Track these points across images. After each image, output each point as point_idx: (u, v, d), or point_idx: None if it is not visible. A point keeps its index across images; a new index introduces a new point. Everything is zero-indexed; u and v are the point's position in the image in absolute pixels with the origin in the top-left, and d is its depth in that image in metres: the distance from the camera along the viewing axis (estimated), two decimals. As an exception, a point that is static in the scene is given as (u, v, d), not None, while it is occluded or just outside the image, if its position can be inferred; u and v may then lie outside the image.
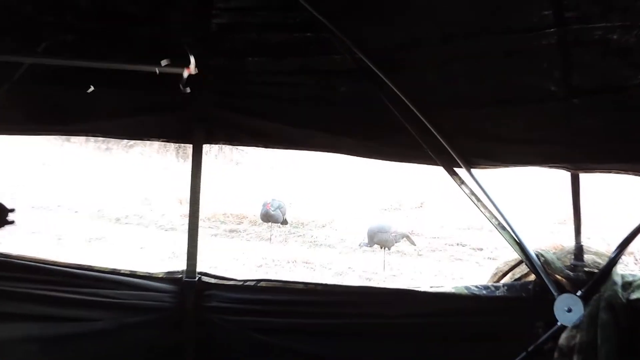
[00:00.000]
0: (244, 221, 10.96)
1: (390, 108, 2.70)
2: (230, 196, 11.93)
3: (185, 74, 2.57)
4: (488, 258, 9.45)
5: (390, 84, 2.63)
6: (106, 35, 2.77)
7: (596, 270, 2.67)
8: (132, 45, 2.77)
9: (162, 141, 3.34)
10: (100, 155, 14.60)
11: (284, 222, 10.44)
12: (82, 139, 14.38)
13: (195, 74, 2.75)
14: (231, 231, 10.53)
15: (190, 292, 2.99)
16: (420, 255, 9.56)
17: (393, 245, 9.24)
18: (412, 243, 9.61)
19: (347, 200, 12.02)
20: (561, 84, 2.39)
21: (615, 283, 2.55)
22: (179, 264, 7.40)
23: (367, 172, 14.03)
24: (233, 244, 9.69)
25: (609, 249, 2.70)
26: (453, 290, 2.86)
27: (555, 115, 2.48)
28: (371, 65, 2.62)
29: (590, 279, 2.64)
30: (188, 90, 2.59)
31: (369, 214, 11.56)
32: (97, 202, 11.40)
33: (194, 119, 3.02)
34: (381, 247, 9.18)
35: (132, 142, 14.67)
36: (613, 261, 2.60)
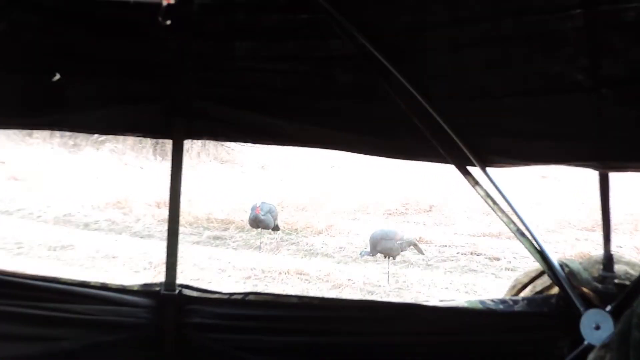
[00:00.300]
0: (230, 227, 10.97)
1: (395, 99, 2.71)
2: (214, 199, 11.94)
3: (164, 2, 2.54)
4: (506, 269, 9.47)
5: (395, 72, 2.64)
6: (74, 15, 2.77)
7: (628, 283, 2.68)
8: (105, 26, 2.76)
9: (138, 136, 3.35)
10: (66, 153, 14.58)
11: (276, 228, 10.45)
12: (45, 133, 14.35)
13: (175, 59, 2.75)
14: (216, 238, 10.53)
15: (170, 307, 2.99)
16: (429, 265, 9.57)
17: (398, 254, 9.25)
18: (420, 252, 9.62)
19: (347, 203, 12.03)
20: (588, 72, 2.40)
21: (649, 297, 2.56)
22: (157, 276, 7.43)
23: (369, 172, 14.03)
24: (218, 252, 9.69)
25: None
26: (466, 305, 2.87)
27: (582, 107, 2.49)
28: (374, 51, 2.62)
29: (622, 292, 2.65)
30: (168, 22, 2.55)
31: (371, 218, 11.57)
32: (63, 205, 11.38)
33: (173, 111, 3.01)
34: (385, 257, 9.19)
35: (103, 137, 14.65)
36: (647, 272, 2.62)
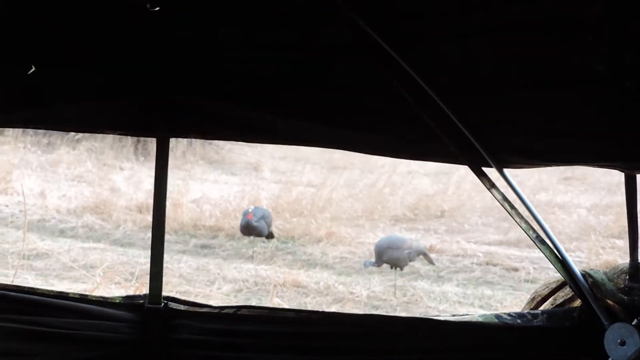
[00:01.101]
0: (219, 234, 10.98)
1: (402, 93, 2.72)
2: (202, 203, 11.95)
3: None
4: (525, 280, 9.50)
5: (402, 63, 2.64)
6: (47, 5, 2.78)
7: (656, 294, 2.71)
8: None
9: (118, 134, 3.36)
10: (40, 152, 14.59)
11: (270, 236, 10.46)
12: (17, 131, 14.36)
13: (157, 50, 2.76)
14: (204, 247, 10.55)
15: (155, 321, 3.01)
16: (441, 277, 9.59)
17: (407, 264, 9.27)
18: (431, 262, 9.65)
19: (349, 208, 12.04)
20: (610, 62, 2.41)
21: (679, 309, 2.58)
22: (139, 288, 7.45)
23: (373, 173, 14.04)
24: (206, 263, 9.70)
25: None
26: (481, 320, 2.89)
27: (604, 101, 2.51)
28: (378, 39, 2.61)
29: (649, 304, 2.67)
30: (157, 8, 2.56)
31: (377, 225, 11.58)
32: (37, 210, 11.40)
33: (156, 107, 3.03)
34: (392, 267, 9.21)
35: (79, 135, 14.66)
36: (677, 282, 2.64)
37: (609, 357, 2.65)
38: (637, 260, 2.81)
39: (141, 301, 3.06)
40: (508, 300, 8.60)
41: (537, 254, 9.84)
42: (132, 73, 2.97)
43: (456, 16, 2.50)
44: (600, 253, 10.04)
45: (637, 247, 2.83)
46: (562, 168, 14.59)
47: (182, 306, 3.07)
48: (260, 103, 2.92)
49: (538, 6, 2.35)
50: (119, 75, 2.97)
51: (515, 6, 2.39)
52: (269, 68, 2.84)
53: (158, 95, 2.99)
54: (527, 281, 9.41)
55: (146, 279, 7.70)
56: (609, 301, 2.71)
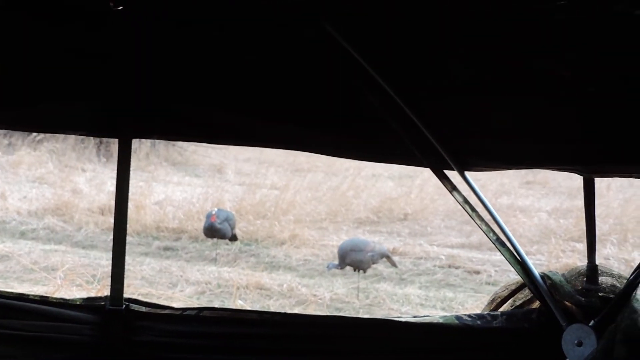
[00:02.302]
0: (182, 236, 10.94)
1: (366, 96, 2.73)
2: (165, 205, 11.88)
3: None
4: (486, 283, 9.59)
5: (366, 66, 2.65)
6: None
7: (612, 296, 2.74)
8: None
9: (80, 135, 3.33)
10: (0, 153, 14.40)
11: (233, 238, 10.44)
12: (-24, 131, 14.17)
13: (121, 47, 2.72)
14: (166, 249, 10.50)
15: (116, 323, 2.99)
16: (403, 279, 9.65)
17: (369, 267, 9.31)
18: (393, 264, 9.70)
19: (313, 211, 12.06)
20: (574, 68, 2.44)
21: (635, 311, 2.62)
22: (101, 290, 7.39)
23: (338, 176, 14.08)
24: (169, 265, 9.65)
25: (629, 269, 2.78)
26: (441, 321, 2.91)
27: (566, 106, 2.54)
28: (342, 42, 2.62)
29: (605, 306, 2.71)
30: (120, 8, 2.53)
31: (340, 228, 11.61)
32: (-4, 211, 11.26)
33: (120, 108, 3.00)
34: (355, 270, 9.25)
35: (41, 136, 14.50)
36: (632, 285, 2.67)
37: (566, 358, 2.69)
38: (595, 262, 2.86)
39: (102, 303, 3.03)
40: (470, 303, 8.68)
41: (498, 256, 9.95)
42: (94, 73, 2.94)
43: (421, 21, 2.52)
44: (560, 256, 10.17)
45: (594, 250, 2.87)
46: (523, 172, 14.77)
47: (143, 308, 3.05)
48: (226, 104, 2.91)
49: (504, 12, 2.37)
50: (81, 76, 2.93)
51: (483, 11, 2.40)
52: (235, 69, 2.83)
53: (121, 96, 2.96)
54: (489, 284, 9.51)
55: (108, 281, 7.65)
56: (567, 303, 2.75)
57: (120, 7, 2.50)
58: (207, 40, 2.78)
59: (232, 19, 2.71)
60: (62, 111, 3.06)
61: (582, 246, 10.20)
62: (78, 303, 3.04)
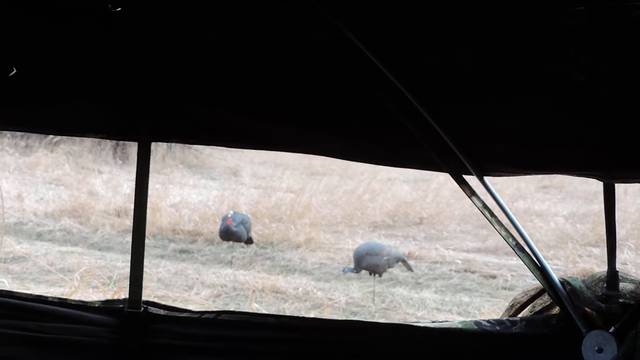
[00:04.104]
0: (198, 239, 10.96)
1: (383, 100, 2.73)
2: (181, 208, 11.92)
3: None
4: (502, 288, 9.55)
5: (383, 69, 2.64)
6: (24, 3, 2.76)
7: (633, 302, 2.73)
8: None
9: (99, 138, 3.33)
10: (17, 155, 14.49)
11: (249, 241, 10.46)
12: (-6, 133, 14.27)
13: (140, 51, 2.73)
14: (182, 251, 10.53)
15: (134, 326, 2.99)
16: (419, 283, 9.63)
17: (385, 270, 9.30)
18: (409, 268, 9.68)
19: (328, 214, 12.05)
20: (591, 73, 2.43)
21: (656, 317, 2.61)
22: (117, 292, 7.41)
23: (353, 179, 14.07)
24: (184, 267, 9.68)
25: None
26: (460, 326, 2.91)
27: (585, 111, 2.53)
28: (360, 45, 2.62)
29: (626, 312, 2.70)
30: (119, 9, 2.54)
31: (356, 231, 11.60)
32: (14, 213, 11.31)
33: (139, 111, 3.01)
34: (370, 273, 9.24)
35: (57, 138, 14.58)
36: (654, 291, 2.67)
37: (586, 363, 2.68)
38: (615, 268, 2.84)
39: (120, 305, 3.04)
40: (486, 307, 8.65)
41: (514, 261, 9.92)
42: (114, 76, 2.95)
43: (440, 24, 2.52)
44: (577, 261, 10.12)
45: (614, 256, 2.86)
46: (540, 176, 14.71)
47: (161, 311, 3.05)
48: (243, 108, 2.92)
49: (522, 16, 2.37)
50: (101, 78, 2.95)
51: (499, 15, 2.41)
52: (252, 73, 2.84)
53: (141, 99, 2.97)
54: (505, 288, 9.47)
55: (124, 283, 7.68)
56: (586, 309, 2.73)
57: (119, 9, 2.50)
58: (219, 43, 2.79)
59: (242, 21, 2.72)
60: (81, 114, 3.07)
61: (599, 251, 10.16)
62: (96, 305, 3.05)
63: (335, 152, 3.07)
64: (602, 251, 9.55)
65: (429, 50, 2.59)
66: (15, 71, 2.90)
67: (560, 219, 12.32)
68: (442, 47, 2.57)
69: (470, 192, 2.80)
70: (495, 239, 10.45)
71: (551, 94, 2.53)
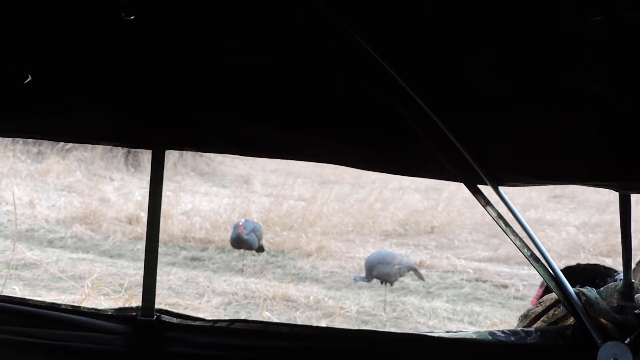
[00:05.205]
0: (209, 247, 10.97)
1: (398, 109, 2.73)
2: (192, 215, 11.93)
3: None
4: (514, 297, 9.52)
5: (399, 79, 2.65)
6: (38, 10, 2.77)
7: (649, 313, 2.72)
8: None
9: (113, 145, 3.35)
10: (29, 161, 14.55)
11: (260, 249, 10.46)
12: (6, 139, 14.33)
13: (155, 60, 2.74)
14: (193, 259, 10.54)
15: (147, 334, 3.00)
16: (430, 293, 9.60)
17: (396, 279, 9.28)
18: (420, 277, 9.66)
19: (340, 223, 12.05)
20: (607, 83, 2.43)
21: (672, 329, 2.60)
22: (129, 300, 7.43)
23: (364, 188, 14.06)
24: (196, 275, 9.68)
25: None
26: (474, 336, 2.90)
27: (600, 121, 2.53)
28: (375, 55, 2.62)
29: (642, 323, 2.69)
30: (132, 17, 2.54)
31: (367, 240, 11.59)
32: (26, 219, 11.35)
33: (154, 119, 3.02)
34: (382, 282, 9.22)
35: (69, 145, 14.63)
36: (670, 302, 2.66)
37: (601, 375, 2.67)
38: (631, 279, 2.83)
39: (133, 313, 3.04)
40: (497, 317, 8.63)
41: (526, 271, 9.88)
42: (128, 84, 2.96)
43: (455, 33, 2.52)
44: (590, 271, 10.06)
45: (630, 267, 2.85)
46: (552, 186, 14.68)
47: (174, 319, 3.06)
48: (258, 116, 2.92)
49: (539, 26, 2.37)
50: (115, 86, 2.96)
51: (515, 25, 2.41)
52: (267, 81, 2.85)
53: (155, 107, 2.98)
54: (517, 298, 9.44)
55: (135, 291, 7.70)
56: (602, 320, 2.73)
57: (132, 17, 2.51)
58: (234, 51, 2.79)
59: (256, 29, 2.73)
60: (95, 121, 3.09)
61: (611, 261, 10.09)
62: (109, 313, 3.05)
63: (349, 161, 3.08)
64: (614, 261, 9.50)
65: (444, 60, 2.59)
66: (30, 78, 2.91)
67: (572, 229, 12.27)
68: (457, 57, 2.57)
69: (485, 202, 2.80)
70: (507, 249, 10.42)
71: (567, 103, 2.53)
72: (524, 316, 3.04)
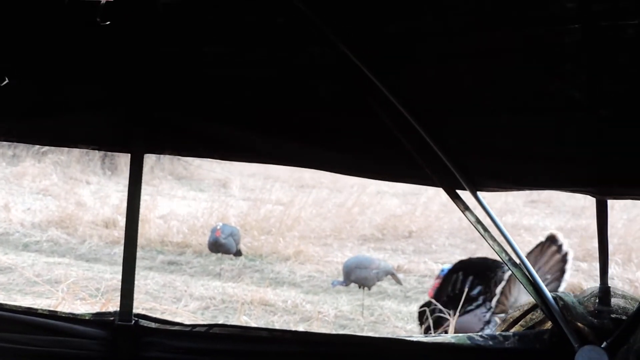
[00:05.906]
0: (186, 251, 10.93)
1: (378, 114, 2.74)
2: (169, 219, 11.88)
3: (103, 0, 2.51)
4: (491, 302, 9.55)
5: (379, 84, 2.66)
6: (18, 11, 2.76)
7: (625, 318, 2.74)
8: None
9: (91, 149, 3.33)
10: (4, 164, 14.43)
11: (238, 253, 10.43)
12: (-19, 142, 14.20)
13: (136, 63, 2.74)
14: (170, 263, 10.49)
15: (125, 339, 2.98)
16: (408, 297, 9.63)
17: (374, 284, 9.30)
18: (398, 282, 9.68)
19: (317, 227, 12.05)
20: (586, 90, 2.46)
21: (647, 333, 2.63)
22: (105, 304, 7.37)
23: (342, 193, 14.07)
24: (173, 279, 9.64)
25: (633, 289, 2.78)
26: (453, 341, 2.91)
27: (579, 128, 2.56)
28: (356, 61, 2.64)
29: (618, 327, 2.71)
30: (108, 22, 2.53)
31: (345, 244, 11.60)
32: (0, 223, 11.25)
33: (132, 121, 3.01)
34: (359, 287, 9.23)
35: (45, 148, 14.53)
36: (646, 307, 2.68)
37: (578, 379, 2.69)
38: (607, 284, 2.86)
39: (111, 318, 3.03)
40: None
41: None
42: (108, 87, 2.96)
43: (435, 40, 2.54)
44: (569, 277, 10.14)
45: (607, 271, 2.88)
46: (528, 191, 14.76)
47: (153, 324, 3.04)
48: (240, 121, 2.92)
49: (519, 33, 2.40)
50: (95, 90, 2.95)
51: (496, 33, 2.43)
52: (248, 86, 2.85)
53: (134, 110, 2.98)
54: (494, 303, 9.47)
55: (112, 295, 7.65)
56: (579, 324, 2.75)
57: (108, 22, 2.50)
58: (216, 56, 2.80)
59: (240, 35, 2.73)
60: (74, 125, 3.07)
61: (587, 266, 10.18)
62: (87, 318, 3.04)
63: (328, 166, 3.08)
64: (589, 266, 9.60)
65: (425, 67, 2.61)
66: (7, 81, 2.89)
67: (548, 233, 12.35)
68: (438, 64, 2.59)
69: (464, 207, 2.82)
70: (484, 253, 10.46)
71: (547, 110, 2.56)
72: (502, 321, 3.06)
